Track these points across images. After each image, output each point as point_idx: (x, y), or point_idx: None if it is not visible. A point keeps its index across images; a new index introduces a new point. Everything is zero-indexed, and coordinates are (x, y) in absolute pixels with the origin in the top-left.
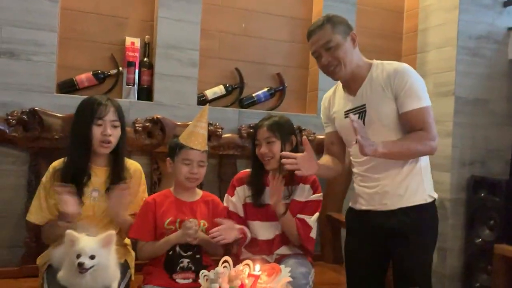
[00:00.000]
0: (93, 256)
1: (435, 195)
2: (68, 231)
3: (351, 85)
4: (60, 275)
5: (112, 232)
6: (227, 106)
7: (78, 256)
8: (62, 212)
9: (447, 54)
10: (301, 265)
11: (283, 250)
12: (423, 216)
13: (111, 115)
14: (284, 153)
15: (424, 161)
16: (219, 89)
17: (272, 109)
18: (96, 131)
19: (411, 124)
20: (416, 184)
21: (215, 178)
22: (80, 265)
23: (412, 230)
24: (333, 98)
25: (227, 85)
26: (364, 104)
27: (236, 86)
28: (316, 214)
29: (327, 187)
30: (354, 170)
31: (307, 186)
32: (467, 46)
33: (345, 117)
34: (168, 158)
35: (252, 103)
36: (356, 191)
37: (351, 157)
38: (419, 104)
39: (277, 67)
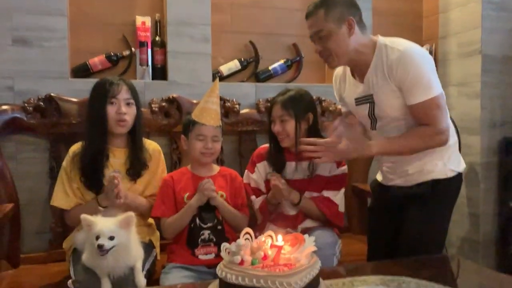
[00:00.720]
0: (112, 237)
1: (460, 168)
2: (83, 216)
3: (356, 71)
4: (84, 258)
5: (131, 214)
6: (243, 81)
7: (97, 238)
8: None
9: (471, 10)
10: (327, 236)
11: (308, 223)
12: (439, 187)
13: (124, 94)
14: (303, 139)
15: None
16: (234, 64)
17: (290, 81)
18: (111, 110)
19: (418, 117)
20: (435, 161)
21: (235, 155)
22: (100, 246)
23: (425, 197)
24: (343, 80)
25: (242, 59)
26: (372, 94)
27: (251, 60)
28: (342, 189)
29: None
30: None
31: None
32: (493, 1)
33: (356, 105)
34: (182, 136)
35: (268, 76)
36: (379, 167)
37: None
38: (424, 96)
39: (292, 37)
